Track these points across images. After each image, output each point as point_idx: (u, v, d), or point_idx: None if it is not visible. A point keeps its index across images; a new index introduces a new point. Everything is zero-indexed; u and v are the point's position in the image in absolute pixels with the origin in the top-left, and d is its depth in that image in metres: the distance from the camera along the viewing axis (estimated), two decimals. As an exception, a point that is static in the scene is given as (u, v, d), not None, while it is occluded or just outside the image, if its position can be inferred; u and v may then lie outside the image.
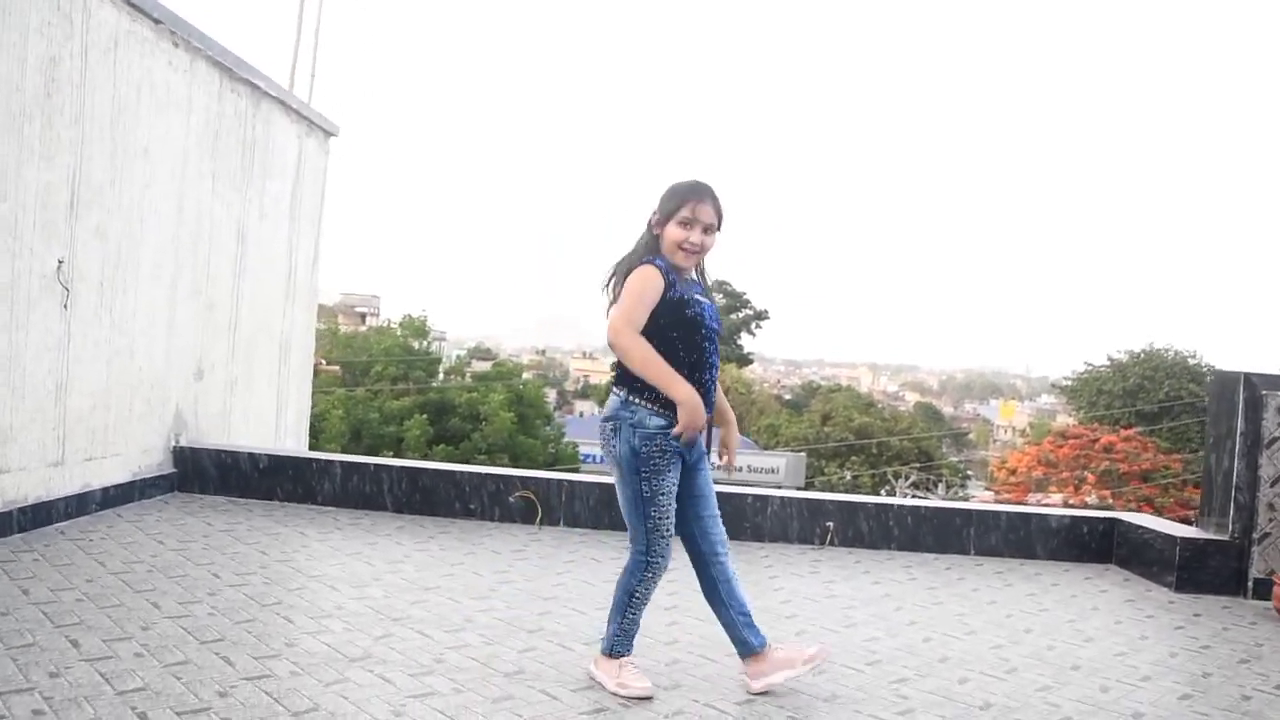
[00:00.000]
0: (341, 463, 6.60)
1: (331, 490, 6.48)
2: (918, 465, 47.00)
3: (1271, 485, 5.73)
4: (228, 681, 3.20)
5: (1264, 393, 5.76)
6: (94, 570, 4.43)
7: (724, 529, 3.58)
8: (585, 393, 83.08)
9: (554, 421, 35.80)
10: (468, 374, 39.36)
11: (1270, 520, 5.73)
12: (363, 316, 61.58)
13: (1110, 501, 26.92)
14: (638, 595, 3.47)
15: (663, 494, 3.38)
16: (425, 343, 39.41)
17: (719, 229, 3.47)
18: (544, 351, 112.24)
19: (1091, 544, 6.51)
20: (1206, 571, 5.80)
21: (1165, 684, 3.97)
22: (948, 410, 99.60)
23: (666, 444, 3.35)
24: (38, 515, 5.15)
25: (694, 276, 3.57)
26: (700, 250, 3.45)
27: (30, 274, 5.02)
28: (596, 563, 5.44)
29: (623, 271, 3.43)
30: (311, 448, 10.72)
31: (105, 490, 5.77)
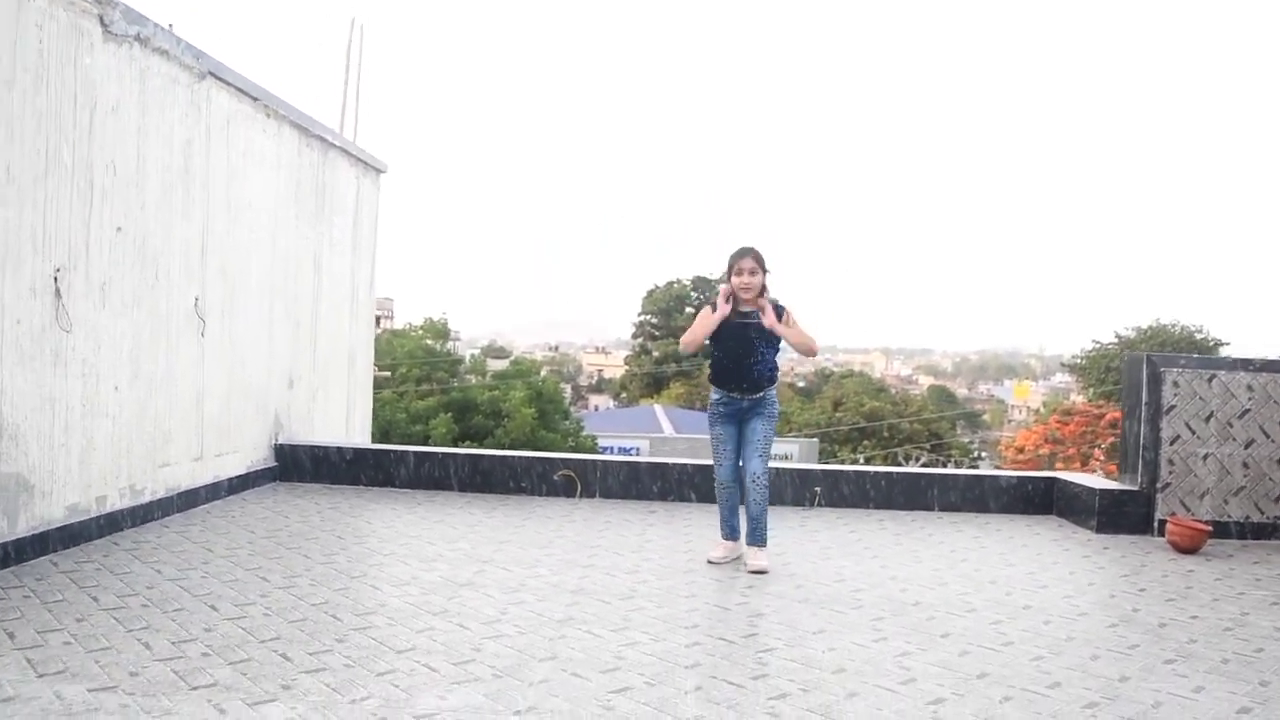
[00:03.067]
0: (414, 452, 8.00)
1: (407, 475, 7.89)
2: (928, 446, 48.25)
3: (1170, 444, 7.08)
4: (389, 591, 4.59)
5: (1162, 369, 7.11)
6: (252, 535, 5.84)
7: (759, 463, 5.48)
8: (599, 387, 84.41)
9: (571, 416, 37.16)
10: (487, 374, 40.67)
11: (1170, 472, 7.08)
12: (378, 320, 62.97)
13: (1116, 475, 28.05)
14: (717, 495, 5.78)
15: (714, 437, 5.64)
16: (445, 344, 40.76)
17: (762, 269, 5.45)
18: (557, 348, 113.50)
19: (1035, 498, 7.86)
20: (1122, 516, 7.14)
21: (1060, 589, 5.34)
22: (961, 392, 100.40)
23: (716, 409, 5.62)
24: (188, 499, 6.57)
25: (750, 306, 5.49)
26: (749, 286, 5.41)
27: (178, 310, 6.42)
28: (627, 522, 6.82)
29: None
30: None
31: (230, 480, 7.19)
